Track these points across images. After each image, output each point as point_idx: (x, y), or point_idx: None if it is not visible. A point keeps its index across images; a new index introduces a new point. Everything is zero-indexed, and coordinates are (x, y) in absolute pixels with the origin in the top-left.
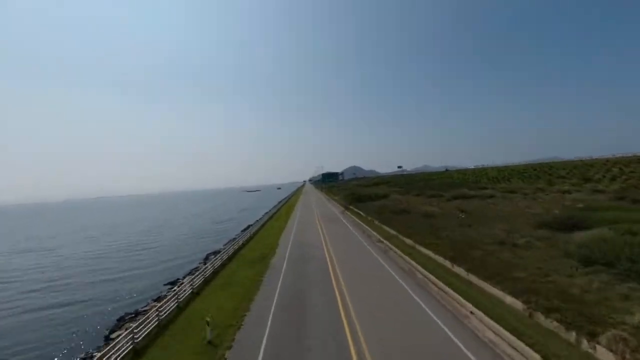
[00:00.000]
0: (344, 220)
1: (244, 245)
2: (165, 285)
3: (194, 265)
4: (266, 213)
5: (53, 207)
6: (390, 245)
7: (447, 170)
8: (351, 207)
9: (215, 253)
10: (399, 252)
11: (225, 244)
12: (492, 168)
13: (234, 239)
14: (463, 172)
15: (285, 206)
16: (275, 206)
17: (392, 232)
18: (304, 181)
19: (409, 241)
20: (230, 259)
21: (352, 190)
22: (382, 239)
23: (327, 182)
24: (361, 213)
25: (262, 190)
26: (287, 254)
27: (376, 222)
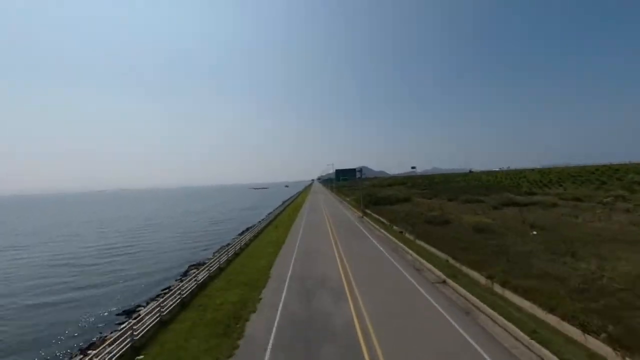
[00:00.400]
0: (365, 232)
1: (222, 269)
2: (118, 315)
3: (169, 283)
4: (269, 214)
5: (55, 199)
6: (469, 297)
7: (471, 171)
8: (369, 211)
9: (199, 265)
10: (496, 317)
11: (215, 252)
12: (531, 170)
13: (228, 245)
14: (493, 175)
15: (291, 206)
16: (279, 206)
17: (441, 254)
18: (312, 180)
19: (475, 274)
20: (185, 304)
21: (367, 191)
22: (443, 276)
23: (342, 180)
24: (383, 221)
25: (269, 187)
26: (280, 309)
27: (409, 236)
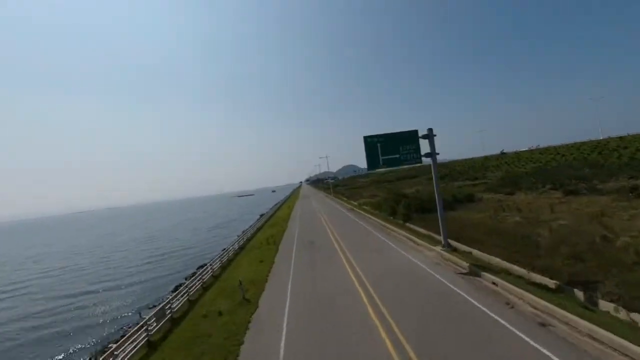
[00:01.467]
0: None
1: None
2: None
3: None
4: (239, 237)
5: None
6: None
7: (503, 152)
8: (445, 237)
9: None
10: None
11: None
12: (605, 141)
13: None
14: (545, 152)
15: (267, 229)
16: (254, 224)
17: None
18: (300, 182)
19: None
20: None
21: (385, 189)
22: None
23: (388, 161)
24: (539, 281)
25: (255, 194)
26: None
27: None
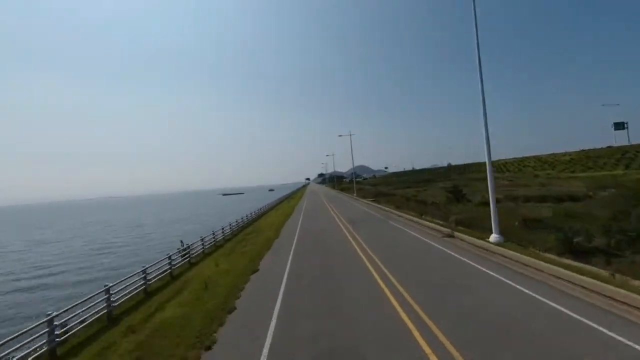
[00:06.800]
0: None
1: None
2: None
3: None
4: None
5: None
6: None
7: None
8: None
9: None
10: None
11: None
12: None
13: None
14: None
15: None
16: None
17: None
18: (308, 180)
19: None
20: None
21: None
22: None
23: None
24: None
25: (245, 192)
26: None
27: None
